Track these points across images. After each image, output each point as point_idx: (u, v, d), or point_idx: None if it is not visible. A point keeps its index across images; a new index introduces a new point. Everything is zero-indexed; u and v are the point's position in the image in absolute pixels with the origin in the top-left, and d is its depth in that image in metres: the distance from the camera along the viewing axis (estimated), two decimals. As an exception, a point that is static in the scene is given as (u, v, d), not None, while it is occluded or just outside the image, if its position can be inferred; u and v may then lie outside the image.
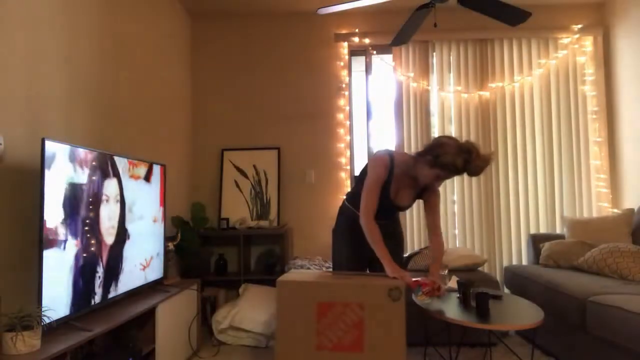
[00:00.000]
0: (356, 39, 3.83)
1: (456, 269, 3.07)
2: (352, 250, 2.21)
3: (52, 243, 1.67)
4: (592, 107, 3.76)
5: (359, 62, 4.01)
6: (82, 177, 1.87)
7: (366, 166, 2.14)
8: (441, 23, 3.77)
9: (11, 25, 1.80)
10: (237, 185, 3.81)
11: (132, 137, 2.83)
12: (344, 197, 2.39)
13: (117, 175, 2.15)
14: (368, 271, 2.23)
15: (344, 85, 3.88)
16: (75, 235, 1.81)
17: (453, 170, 1.88)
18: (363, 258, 2.20)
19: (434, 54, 3.86)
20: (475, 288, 2.15)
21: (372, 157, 2.10)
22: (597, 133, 3.74)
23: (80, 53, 2.28)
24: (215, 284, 3.65)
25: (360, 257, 2.21)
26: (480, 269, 3.27)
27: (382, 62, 3.89)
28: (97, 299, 1.96)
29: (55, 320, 1.67)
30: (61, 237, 1.72)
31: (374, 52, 3.89)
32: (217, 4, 3.75)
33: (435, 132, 3.81)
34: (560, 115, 3.77)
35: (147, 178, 2.50)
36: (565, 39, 3.78)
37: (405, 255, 3.11)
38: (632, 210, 3.20)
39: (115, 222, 2.13)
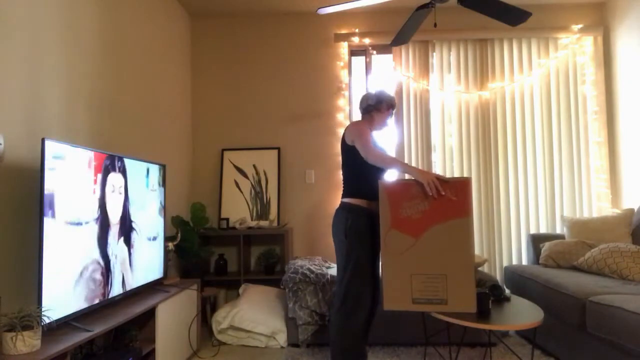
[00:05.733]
0: (356, 39, 3.83)
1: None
2: (372, 251, 2.20)
3: (52, 243, 1.67)
4: (592, 107, 3.76)
5: (359, 62, 4.01)
6: (82, 177, 1.87)
7: (345, 148, 2.25)
8: (441, 23, 3.77)
9: (11, 25, 1.80)
10: (237, 185, 3.80)
11: (132, 137, 2.83)
12: (346, 198, 2.24)
13: (116, 175, 2.15)
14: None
15: (344, 85, 3.87)
16: (74, 235, 1.81)
17: (392, 102, 2.34)
18: (377, 256, 2.26)
19: (434, 54, 3.86)
20: (485, 287, 2.14)
21: (352, 127, 2.23)
22: (597, 133, 3.74)
23: (80, 53, 2.28)
24: (215, 284, 3.66)
25: (376, 257, 2.25)
26: (480, 269, 3.27)
27: (382, 62, 3.89)
28: (97, 299, 1.96)
29: (55, 320, 1.67)
30: (60, 237, 1.72)
31: (374, 52, 3.89)
32: (216, 4, 3.75)
33: (435, 132, 3.81)
34: (561, 115, 3.76)
35: (147, 178, 2.50)
36: (565, 39, 3.78)
37: None
38: (632, 210, 3.20)
39: (115, 222, 2.13)
